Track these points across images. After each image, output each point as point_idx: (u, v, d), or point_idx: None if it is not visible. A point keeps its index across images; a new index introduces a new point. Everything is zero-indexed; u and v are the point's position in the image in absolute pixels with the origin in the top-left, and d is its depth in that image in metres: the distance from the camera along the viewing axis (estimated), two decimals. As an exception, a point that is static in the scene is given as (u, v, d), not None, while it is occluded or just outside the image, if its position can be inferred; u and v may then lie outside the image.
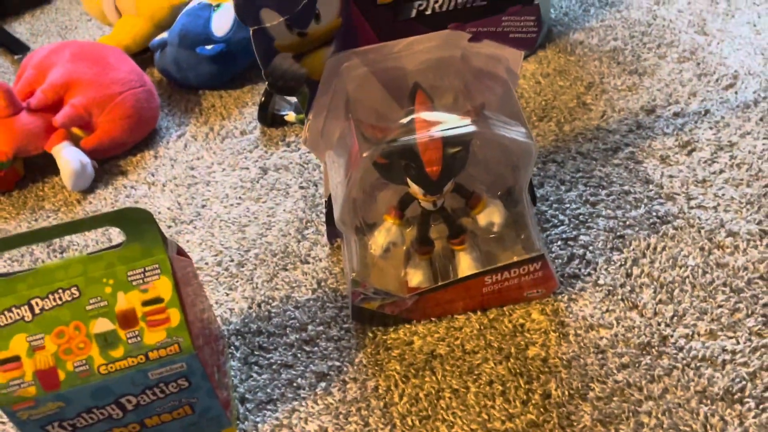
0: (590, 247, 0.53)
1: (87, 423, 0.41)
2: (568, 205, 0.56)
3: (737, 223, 0.52)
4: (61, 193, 0.69)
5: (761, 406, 0.41)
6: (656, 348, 0.46)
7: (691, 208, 0.54)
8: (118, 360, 0.39)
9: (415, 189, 0.45)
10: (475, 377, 0.46)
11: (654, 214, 0.54)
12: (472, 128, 0.42)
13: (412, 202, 0.47)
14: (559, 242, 0.54)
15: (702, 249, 0.51)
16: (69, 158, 0.67)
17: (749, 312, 0.46)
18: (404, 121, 0.44)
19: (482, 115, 0.43)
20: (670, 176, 0.57)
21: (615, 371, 0.45)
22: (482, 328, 0.49)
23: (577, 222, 0.55)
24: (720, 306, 0.47)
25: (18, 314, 0.39)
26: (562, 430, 0.42)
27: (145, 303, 0.40)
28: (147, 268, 0.40)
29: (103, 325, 0.39)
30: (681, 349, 0.45)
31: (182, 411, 0.43)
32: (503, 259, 0.49)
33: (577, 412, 0.43)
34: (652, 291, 0.49)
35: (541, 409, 0.44)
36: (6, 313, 0.39)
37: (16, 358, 0.39)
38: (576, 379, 0.45)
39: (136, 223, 0.39)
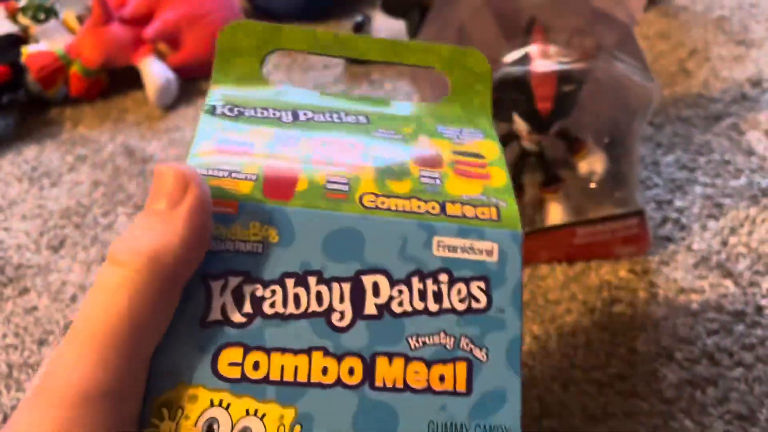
0: (685, 212, 0.51)
1: (283, 307, 0.22)
2: (664, 169, 0.54)
3: None
4: (144, 107, 0.70)
5: None
6: (750, 317, 0.44)
7: (796, 183, 0.52)
8: (397, 197, 0.23)
9: (520, 126, 0.44)
10: (557, 326, 0.45)
11: (756, 186, 0.52)
12: (592, 65, 0.41)
13: (511, 141, 0.46)
14: (653, 204, 0.52)
15: (806, 225, 0.49)
16: (155, 73, 0.67)
17: None
18: (518, 53, 0.42)
19: (601, 54, 0.42)
20: (775, 150, 0.55)
21: (705, 335, 0.43)
22: (567, 280, 0.48)
23: (672, 186, 0.53)
24: (822, 283, 0.45)
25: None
26: (647, 386, 0.41)
27: (458, 153, 0.26)
28: (465, 130, 0.27)
29: (386, 150, 0.25)
30: (778, 321, 0.44)
31: (448, 373, 0.23)
32: (593, 213, 0.48)
33: (663, 370, 0.42)
34: (748, 261, 0.47)
35: (626, 364, 0.43)
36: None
37: (250, 145, 0.24)
38: (664, 338, 0.44)
39: (469, 75, 0.28)
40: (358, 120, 0.26)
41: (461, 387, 0.22)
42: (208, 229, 0.21)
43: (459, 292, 0.23)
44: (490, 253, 0.23)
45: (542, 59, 0.42)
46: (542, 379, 0.42)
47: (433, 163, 0.25)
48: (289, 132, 0.25)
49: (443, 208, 0.24)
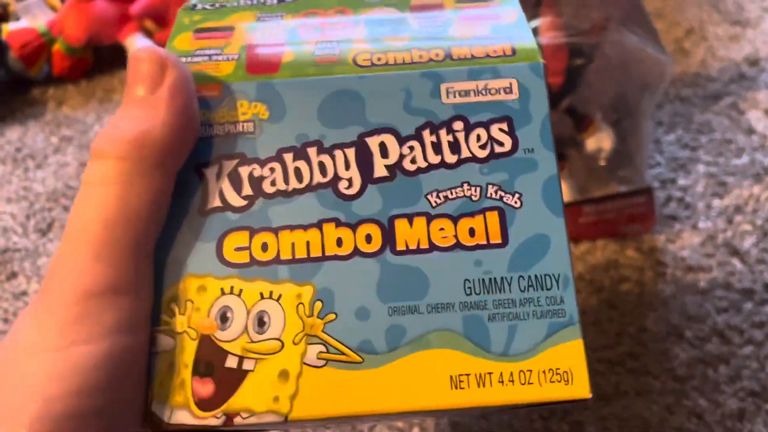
0: (689, 191, 0.51)
1: (284, 183, 0.21)
2: (666, 147, 0.54)
3: None
4: (131, 87, 0.67)
5: None
6: (759, 295, 0.44)
7: (798, 161, 0.52)
8: (396, 50, 0.22)
9: (530, 102, 0.43)
10: (565, 305, 0.45)
11: (758, 164, 0.52)
12: (603, 37, 0.40)
13: (520, 118, 0.45)
14: (656, 183, 0.51)
15: (809, 203, 0.49)
16: (143, 51, 0.65)
17: None
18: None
19: (611, 26, 0.41)
20: (776, 129, 0.55)
21: (714, 313, 0.43)
22: (573, 259, 0.47)
23: (675, 165, 0.53)
24: (828, 260, 0.45)
25: None
26: (658, 364, 0.41)
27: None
28: None
29: (380, 10, 0.23)
30: (786, 298, 0.43)
31: (479, 227, 0.20)
32: (597, 192, 0.47)
33: (674, 348, 0.42)
34: (755, 239, 0.47)
35: (636, 342, 0.42)
36: None
37: (229, 29, 0.23)
38: (673, 316, 0.43)
39: None
40: None
41: (495, 238, 0.20)
42: (193, 111, 0.20)
43: (478, 138, 0.21)
44: (508, 90, 0.21)
45: (552, 32, 0.41)
46: (553, 358, 0.42)
47: (433, 7, 0.23)
48: (274, 12, 0.24)
49: (448, 53, 0.21)
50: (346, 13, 0.23)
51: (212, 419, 0.19)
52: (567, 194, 0.47)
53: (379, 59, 0.21)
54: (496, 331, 0.19)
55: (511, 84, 0.21)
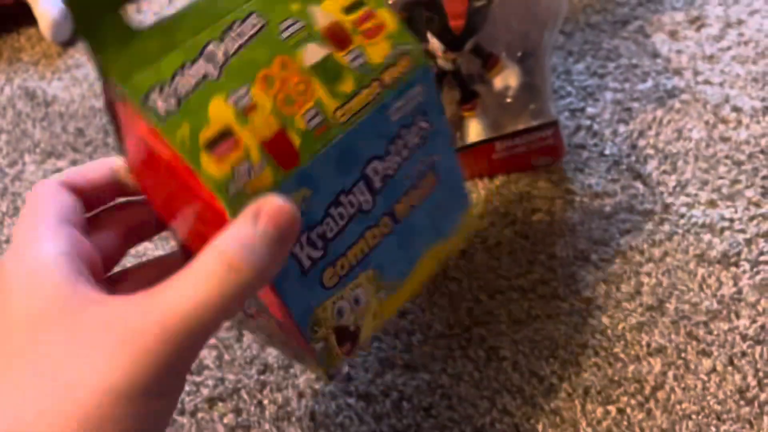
0: (597, 119, 0.53)
1: (338, 225, 0.28)
2: (575, 77, 0.56)
3: (741, 99, 0.53)
4: (39, 45, 0.65)
5: (755, 269, 0.44)
6: (658, 215, 0.47)
7: (698, 83, 0.54)
8: (352, 96, 0.27)
9: (435, 45, 0.43)
10: (482, 239, 0.47)
11: (661, 88, 0.54)
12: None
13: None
14: (566, 113, 0.53)
15: (707, 123, 0.52)
16: (47, 6, 0.63)
17: (749, 183, 0.48)
18: (428, -29, 0.42)
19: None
20: (678, 51, 0.57)
21: (618, 235, 0.46)
22: (488, 194, 0.50)
23: (584, 94, 0.55)
24: (721, 177, 0.48)
25: (198, 72, 0.25)
26: (566, 288, 0.44)
27: (346, 10, 0.28)
28: None
29: (313, 52, 0.26)
30: (682, 216, 0.47)
31: (429, 182, 0.32)
32: (510, 127, 0.49)
33: (580, 271, 0.45)
34: (656, 162, 0.50)
35: (547, 269, 0.45)
36: (180, 76, 0.24)
37: (227, 132, 0.24)
38: (580, 242, 0.46)
39: None
40: (255, 27, 0.26)
41: (432, 185, 0.32)
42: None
43: (416, 134, 0.30)
44: (420, 93, 0.30)
45: (451, -25, 0.41)
46: (470, 290, 0.45)
47: (342, 38, 0.27)
48: (237, 88, 0.25)
49: (381, 83, 0.28)
50: (288, 64, 0.27)
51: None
52: (481, 132, 0.49)
53: (349, 109, 0.27)
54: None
55: (421, 89, 0.30)
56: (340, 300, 0.29)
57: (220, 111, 0.24)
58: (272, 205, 0.23)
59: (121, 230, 0.28)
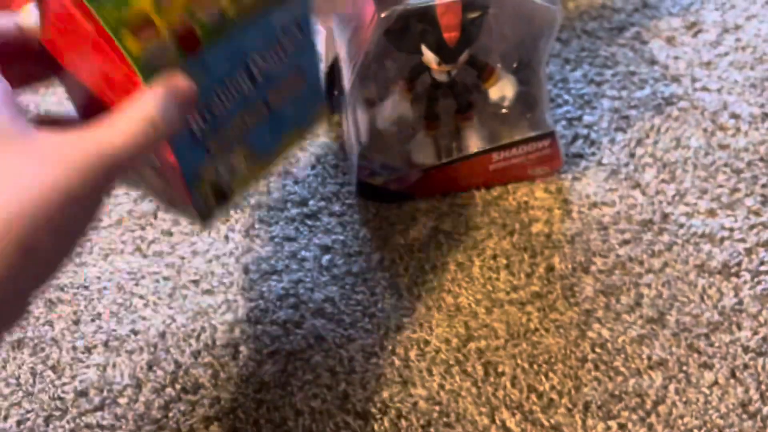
0: (594, 127, 0.52)
1: (223, 104, 0.34)
2: (572, 85, 0.55)
3: (740, 106, 0.52)
4: None
5: (756, 279, 0.43)
6: (657, 225, 0.46)
7: (696, 89, 0.54)
8: (248, 5, 0.32)
9: (429, 57, 0.43)
10: (479, 251, 0.47)
11: (659, 95, 0.54)
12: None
13: (423, 72, 0.46)
14: (564, 122, 0.53)
15: (705, 130, 0.51)
16: None
17: (748, 192, 0.47)
18: (421, -17, 0.41)
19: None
20: (676, 57, 0.56)
21: (617, 246, 0.46)
22: (486, 205, 0.49)
23: (581, 102, 0.54)
24: (720, 186, 0.48)
25: None
26: (565, 300, 0.44)
27: None
28: None
29: None
30: (681, 225, 0.46)
31: (296, 80, 0.38)
32: (507, 137, 0.48)
33: (579, 283, 0.44)
34: (654, 171, 0.49)
35: (545, 281, 0.45)
36: None
37: (148, 20, 0.28)
38: (579, 253, 0.46)
39: None
40: None
41: (302, 83, 0.38)
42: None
43: (290, 40, 0.36)
44: (298, 6, 0.35)
45: (445, -13, 0.41)
46: (467, 304, 0.44)
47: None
48: None
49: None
50: None
51: None
52: (478, 143, 0.49)
53: (244, 11, 0.32)
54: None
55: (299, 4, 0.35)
56: (220, 165, 0.35)
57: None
58: (178, 80, 0.29)
59: (15, 81, 0.31)
